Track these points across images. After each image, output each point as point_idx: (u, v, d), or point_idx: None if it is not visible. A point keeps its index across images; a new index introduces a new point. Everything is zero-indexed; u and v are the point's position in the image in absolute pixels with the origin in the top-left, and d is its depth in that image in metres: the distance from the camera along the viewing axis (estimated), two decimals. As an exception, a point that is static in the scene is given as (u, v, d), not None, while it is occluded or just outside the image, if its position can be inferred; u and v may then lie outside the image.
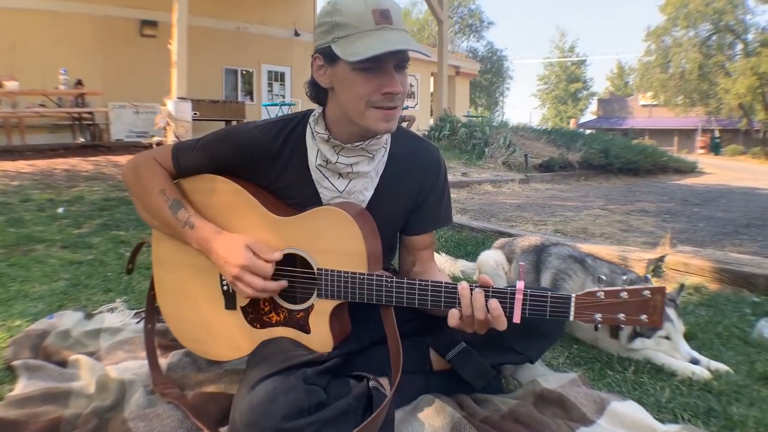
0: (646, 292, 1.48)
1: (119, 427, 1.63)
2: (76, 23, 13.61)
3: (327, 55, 1.58)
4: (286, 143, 1.76)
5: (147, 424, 1.65)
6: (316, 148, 1.74)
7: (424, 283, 1.59)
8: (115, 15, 14.22)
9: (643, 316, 1.48)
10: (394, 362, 1.61)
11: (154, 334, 2.04)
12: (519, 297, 1.51)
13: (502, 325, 1.52)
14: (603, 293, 1.50)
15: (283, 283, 1.68)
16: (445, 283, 1.59)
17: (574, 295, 1.51)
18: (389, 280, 1.61)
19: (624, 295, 1.49)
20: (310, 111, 1.78)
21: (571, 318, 1.51)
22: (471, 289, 1.54)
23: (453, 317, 1.56)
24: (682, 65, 39.17)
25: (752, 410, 1.87)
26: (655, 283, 3.26)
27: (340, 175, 1.75)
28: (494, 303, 1.51)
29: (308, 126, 1.76)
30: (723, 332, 2.62)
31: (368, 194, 1.79)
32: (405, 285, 1.60)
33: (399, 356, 1.60)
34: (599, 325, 1.52)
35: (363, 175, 1.76)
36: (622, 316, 1.49)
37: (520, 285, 1.51)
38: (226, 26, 16.52)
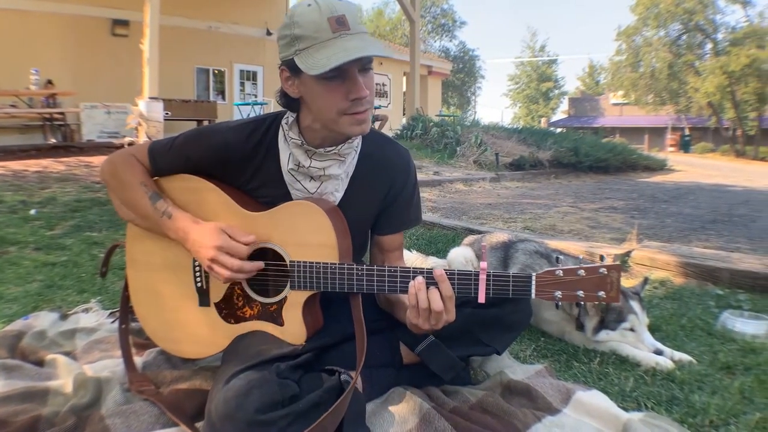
0: (603, 270, 1.55)
1: (97, 424, 1.65)
2: (47, 22, 13.44)
3: (292, 68, 1.60)
4: (260, 145, 1.78)
5: (124, 420, 1.68)
6: (288, 152, 1.77)
7: (392, 269, 1.65)
8: (87, 14, 14.07)
9: (601, 293, 1.56)
10: (359, 345, 1.66)
11: (129, 334, 2.06)
12: (483, 277, 1.57)
13: (450, 313, 1.60)
14: (562, 271, 1.57)
15: (259, 264, 1.68)
16: (413, 268, 1.64)
17: (534, 273, 1.58)
18: (359, 267, 1.66)
19: (582, 272, 1.56)
20: (283, 112, 1.80)
21: (533, 296, 1.58)
22: (427, 287, 1.60)
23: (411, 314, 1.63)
24: (653, 64, 39.41)
25: (714, 398, 1.94)
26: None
27: (312, 177, 1.78)
28: (438, 292, 1.59)
29: (281, 129, 1.79)
30: (687, 324, 2.70)
31: (339, 195, 1.83)
32: (375, 272, 1.66)
33: (363, 339, 1.66)
34: (560, 303, 1.60)
35: (334, 178, 1.80)
36: (580, 292, 1.56)
37: (483, 265, 1.57)
38: (198, 26, 16.41)
